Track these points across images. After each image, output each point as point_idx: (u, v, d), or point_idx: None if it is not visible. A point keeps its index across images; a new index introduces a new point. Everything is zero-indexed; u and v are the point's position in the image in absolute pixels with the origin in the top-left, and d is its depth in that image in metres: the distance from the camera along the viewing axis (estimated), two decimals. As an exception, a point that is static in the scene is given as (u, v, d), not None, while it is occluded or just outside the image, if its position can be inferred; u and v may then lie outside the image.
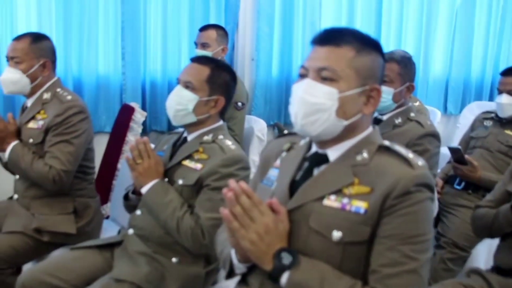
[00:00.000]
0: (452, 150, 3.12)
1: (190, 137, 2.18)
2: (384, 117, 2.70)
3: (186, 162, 2.12)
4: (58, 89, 2.55)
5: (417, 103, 3.76)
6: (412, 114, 2.67)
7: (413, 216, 1.30)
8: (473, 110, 5.05)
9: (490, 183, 3.01)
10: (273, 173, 1.55)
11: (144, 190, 2.08)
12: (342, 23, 4.64)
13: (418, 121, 2.62)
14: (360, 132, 1.44)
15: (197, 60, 2.21)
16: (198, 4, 4.08)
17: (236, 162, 2.05)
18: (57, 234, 2.47)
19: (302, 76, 1.42)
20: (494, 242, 2.25)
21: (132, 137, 3.23)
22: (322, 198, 1.38)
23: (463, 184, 3.14)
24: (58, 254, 2.36)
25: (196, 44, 3.63)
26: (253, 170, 3.52)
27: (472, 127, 3.44)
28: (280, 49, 4.46)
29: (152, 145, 2.20)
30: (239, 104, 3.39)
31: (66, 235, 2.48)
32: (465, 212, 3.02)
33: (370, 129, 1.46)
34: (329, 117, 1.37)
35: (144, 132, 3.79)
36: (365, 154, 1.40)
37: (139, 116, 3.32)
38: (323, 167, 1.43)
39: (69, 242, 2.44)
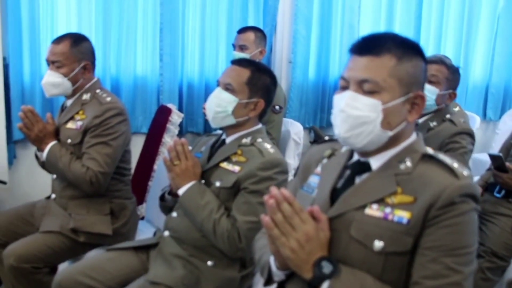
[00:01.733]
0: (493, 157, 3.05)
1: (228, 140, 2.17)
2: (420, 121, 2.68)
3: (224, 165, 2.11)
4: (98, 90, 2.57)
5: (457, 108, 3.68)
6: (447, 116, 2.68)
7: (457, 227, 1.27)
8: None
9: (532, 192, 2.95)
10: (314, 180, 1.53)
11: (180, 191, 2.07)
12: (381, 26, 4.59)
13: (452, 120, 2.64)
14: (404, 140, 1.41)
15: (237, 62, 2.20)
16: (237, 6, 4.09)
17: (274, 165, 2.03)
18: (93, 234, 2.49)
19: (343, 87, 1.39)
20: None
21: (169, 138, 3.24)
22: (364, 207, 1.35)
23: (503, 192, 3.06)
24: (94, 255, 2.38)
25: (234, 46, 3.63)
26: (290, 173, 3.59)
27: (514, 135, 3.36)
28: (317, 52, 4.44)
29: (190, 147, 2.20)
30: (277, 107, 3.37)
31: (102, 236, 2.50)
32: (505, 221, 2.94)
33: (413, 137, 1.43)
34: (374, 129, 1.34)
35: (180, 134, 3.80)
36: (408, 163, 1.37)
37: (176, 117, 3.33)
38: (365, 175, 1.41)
39: (105, 243, 2.46)
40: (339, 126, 1.38)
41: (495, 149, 4.26)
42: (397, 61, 1.35)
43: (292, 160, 3.56)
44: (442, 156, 1.37)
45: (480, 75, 5.16)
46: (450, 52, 4.82)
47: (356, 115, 1.34)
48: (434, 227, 1.28)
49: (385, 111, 1.34)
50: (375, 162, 1.40)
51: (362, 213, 1.35)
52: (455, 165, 1.34)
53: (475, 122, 4.30)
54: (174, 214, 2.16)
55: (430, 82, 2.61)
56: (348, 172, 1.45)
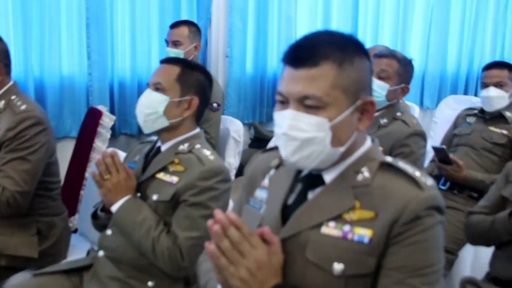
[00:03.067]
0: (437, 149, 3.01)
1: (164, 147, 2.00)
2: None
3: (161, 175, 1.93)
4: (13, 97, 2.28)
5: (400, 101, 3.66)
6: (398, 114, 2.56)
7: (423, 244, 1.15)
8: (449, 104, 5.04)
9: (476, 182, 2.93)
10: (260, 194, 1.38)
11: (114, 208, 1.88)
12: (318, 17, 4.51)
13: (404, 120, 2.51)
14: (358, 148, 1.28)
15: (166, 61, 2.06)
16: (169, -1, 3.88)
17: (215, 174, 1.88)
18: (17, 257, 2.23)
19: (281, 102, 1.24)
20: (480, 244, 2.15)
21: (100, 143, 3.02)
22: (319, 225, 1.21)
23: (448, 184, 3.03)
24: (18, 282, 2.12)
25: (167, 42, 3.43)
26: (231, 173, 3.45)
27: (455, 124, 3.34)
28: (255, 45, 4.31)
29: (122, 154, 2.01)
30: (215, 105, 3.21)
31: (27, 259, 2.25)
32: (452, 213, 2.91)
33: (368, 143, 1.30)
34: (324, 149, 1.21)
35: (113, 137, 3.59)
36: (366, 173, 1.24)
37: (107, 120, 3.11)
38: (318, 189, 1.26)
39: (32, 266, 2.22)
40: (285, 149, 1.23)
41: (434, 138, 4.27)
42: (338, 68, 1.20)
43: (233, 159, 3.42)
44: (402, 165, 1.25)
45: (417, 64, 5.13)
46: (387, 41, 4.80)
47: (302, 138, 1.20)
48: (398, 245, 1.15)
49: (334, 128, 1.20)
50: (329, 175, 1.27)
51: (318, 232, 1.21)
52: (417, 174, 1.22)
53: (415, 112, 4.29)
54: (109, 232, 1.96)
55: (380, 78, 2.50)
56: (299, 186, 1.31)
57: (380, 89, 2.49)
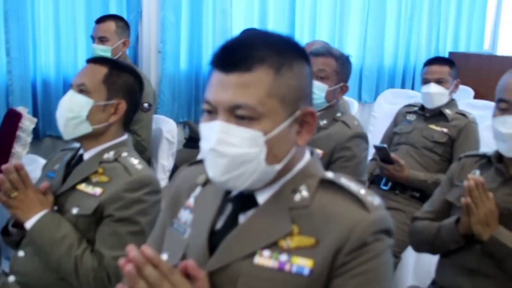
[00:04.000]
0: (378, 148, 2.92)
1: (87, 155, 1.81)
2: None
3: (82, 187, 1.74)
4: None
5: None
6: (338, 114, 2.44)
7: (372, 274, 1.02)
8: (387, 98, 5.04)
9: (418, 182, 2.87)
10: (185, 215, 1.21)
11: (28, 225, 1.67)
12: (255, 9, 4.36)
13: (345, 122, 2.39)
14: (296, 163, 1.13)
15: (92, 60, 1.88)
16: (95, -10, 3.63)
17: (144, 185, 1.71)
18: None
19: (209, 112, 1.08)
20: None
21: (20, 148, 2.77)
22: (252, 255, 1.06)
23: (390, 184, 2.96)
24: None
25: (93, 38, 3.20)
26: (163, 176, 3.26)
27: (395, 122, 3.26)
28: (189, 40, 4.12)
29: (42, 161, 1.79)
30: (145, 105, 3.01)
31: None
32: (394, 214, 2.83)
33: (307, 157, 1.15)
34: (258, 167, 1.05)
35: (37, 139, 3.33)
36: (304, 193, 1.09)
37: (28, 123, 2.85)
38: (251, 212, 1.11)
39: None
40: (213, 167, 1.07)
41: (374, 133, 4.22)
42: (275, 74, 1.05)
43: (166, 161, 3.24)
44: (345, 182, 1.11)
45: (354, 58, 5.11)
46: (325, 36, 4.73)
47: (233, 154, 1.04)
48: (343, 277, 1.02)
49: (269, 143, 1.05)
50: (263, 195, 1.11)
51: (250, 263, 1.05)
52: (362, 192, 1.09)
53: (354, 107, 4.25)
54: (21, 253, 1.74)
55: (318, 78, 2.37)
56: (229, 207, 1.14)
57: (318, 90, 2.36)
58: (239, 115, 1.04)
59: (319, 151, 2.33)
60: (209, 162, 1.08)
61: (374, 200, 1.08)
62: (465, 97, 4.91)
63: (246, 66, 1.04)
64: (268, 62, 1.05)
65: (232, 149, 1.04)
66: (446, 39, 5.89)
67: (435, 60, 3.08)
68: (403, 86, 5.56)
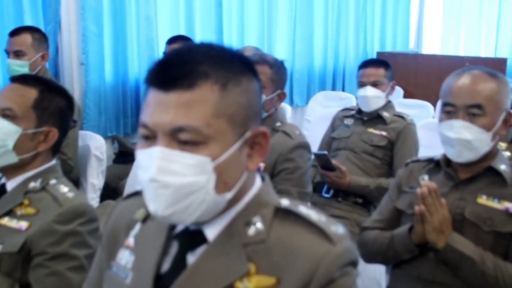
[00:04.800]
0: (318, 156, 2.84)
1: (10, 185, 1.62)
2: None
3: (5, 221, 1.56)
4: None
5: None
6: (277, 124, 2.32)
7: None
8: (319, 101, 5.04)
9: (360, 188, 2.81)
10: (125, 256, 1.05)
11: None
12: (181, 16, 4.20)
13: (286, 132, 2.28)
14: (247, 191, 1.00)
15: (19, 79, 1.68)
16: (8, 1, 3.34)
17: (77, 215, 1.54)
18: None
19: (146, 138, 0.94)
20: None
21: None
22: None
23: (331, 192, 2.88)
24: None
25: (7, 52, 2.94)
26: (93, 196, 3.06)
27: (332, 127, 3.18)
28: (113, 50, 3.88)
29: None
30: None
31: None
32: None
33: (258, 184, 1.02)
34: (206, 197, 0.92)
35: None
36: (259, 225, 0.96)
37: None
38: (200, 250, 0.97)
39: None
40: (154, 200, 0.92)
41: (308, 137, 4.15)
42: (221, 91, 0.92)
43: (96, 180, 3.02)
44: (303, 210, 0.98)
45: (284, 62, 5.06)
46: (254, 41, 4.64)
47: (177, 184, 0.90)
48: None
49: (218, 169, 0.92)
50: (212, 230, 0.97)
51: None
52: (324, 220, 0.97)
53: (287, 112, 4.18)
54: None
55: None
56: (175, 245, 1.00)
57: None
58: (182, 139, 0.90)
59: (261, 164, 2.21)
60: (149, 194, 0.93)
61: (338, 229, 0.96)
62: (395, 97, 4.96)
63: (188, 83, 0.90)
64: (212, 77, 0.92)
65: (176, 179, 0.90)
66: (373, 40, 5.96)
67: (370, 63, 3.04)
68: (334, 88, 5.57)
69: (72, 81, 3.70)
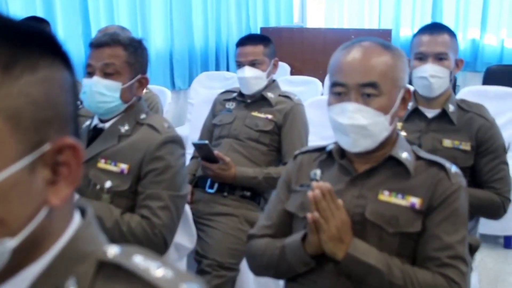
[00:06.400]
0: (198, 146, 2.49)
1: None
2: (107, 125, 1.93)
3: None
4: None
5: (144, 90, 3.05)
6: (142, 116, 1.95)
7: None
8: (202, 82, 4.74)
9: (248, 179, 2.49)
10: None
11: None
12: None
13: (152, 125, 1.90)
14: (52, 240, 0.65)
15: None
16: None
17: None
18: None
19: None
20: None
21: None
22: None
23: (216, 186, 2.54)
24: None
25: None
26: None
27: (213, 112, 2.83)
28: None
29: None
30: None
31: None
32: (225, 221, 2.44)
33: (74, 225, 0.68)
34: None
35: None
36: None
37: None
38: None
39: None
40: None
41: (193, 122, 3.81)
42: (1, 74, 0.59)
43: None
44: (139, 263, 0.65)
45: (162, 43, 4.66)
46: (125, 21, 4.18)
47: None
48: None
49: None
50: None
51: None
52: (169, 276, 0.64)
53: (166, 97, 3.81)
54: None
55: (106, 75, 1.86)
56: None
57: (109, 90, 1.85)
58: None
59: (123, 166, 1.83)
60: None
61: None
62: (282, 74, 4.71)
63: None
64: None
65: None
66: (256, 15, 5.68)
67: (248, 40, 2.68)
68: (217, 68, 5.26)
69: None
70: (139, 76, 1.92)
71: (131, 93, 1.91)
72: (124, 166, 1.82)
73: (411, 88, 2.27)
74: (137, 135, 1.88)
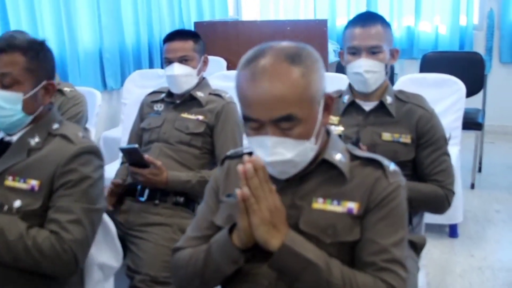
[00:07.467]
0: (127, 151, 2.33)
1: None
2: (14, 138, 1.73)
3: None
4: None
5: (69, 89, 2.85)
6: (54, 126, 1.76)
7: None
8: (136, 81, 4.58)
9: (181, 184, 2.34)
10: None
11: None
12: None
13: (65, 135, 1.72)
14: None
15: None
16: None
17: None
18: None
19: None
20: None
21: None
22: None
23: (147, 193, 2.38)
24: None
25: None
26: None
27: (141, 115, 2.66)
28: None
29: None
30: None
31: None
32: (157, 231, 2.28)
33: None
34: None
35: None
36: None
37: None
38: None
39: None
40: None
41: (126, 122, 3.62)
42: None
43: None
44: None
45: (90, 41, 4.41)
46: (48, 19, 3.92)
47: None
48: None
49: None
50: None
51: None
52: None
53: (96, 99, 3.59)
54: None
55: (4, 87, 1.67)
56: None
57: (8, 103, 1.66)
58: None
59: (33, 182, 1.64)
60: None
61: None
62: (217, 69, 4.55)
63: None
64: None
65: None
66: (189, 9, 5.50)
67: (176, 35, 2.51)
68: (151, 65, 5.06)
69: None
70: (44, 83, 1.72)
71: (37, 103, 1.72)
72: (34, 183, 1.64)
73: (346, 80, 2.19)
74: (49, 148, 1.69)
